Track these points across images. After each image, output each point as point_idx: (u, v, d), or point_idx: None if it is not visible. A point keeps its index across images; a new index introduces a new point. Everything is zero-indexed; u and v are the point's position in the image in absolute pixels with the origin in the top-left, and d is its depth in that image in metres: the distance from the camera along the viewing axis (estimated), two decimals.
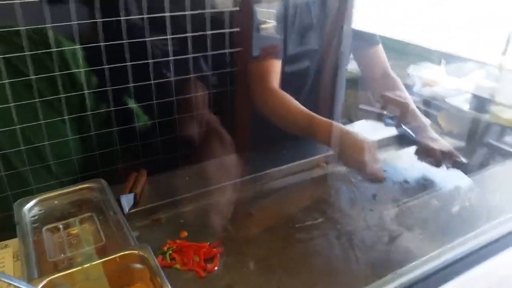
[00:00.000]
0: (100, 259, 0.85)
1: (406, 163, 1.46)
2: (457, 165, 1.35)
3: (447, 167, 1.36)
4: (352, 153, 1.18)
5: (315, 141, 1.30)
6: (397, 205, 1.24)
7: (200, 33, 1.32)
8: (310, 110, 1.31)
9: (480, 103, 1.74)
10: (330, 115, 1.67)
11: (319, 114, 1.52)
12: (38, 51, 1.13)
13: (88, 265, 0.82)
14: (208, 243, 1.09)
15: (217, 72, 1.45)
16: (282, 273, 1.00)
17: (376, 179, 1.18)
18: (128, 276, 0.85)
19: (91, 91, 1.25)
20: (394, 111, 1.49)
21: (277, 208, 1.26)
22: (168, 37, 1.27)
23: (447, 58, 2.15)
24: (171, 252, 1.06)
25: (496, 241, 1.09)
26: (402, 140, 1.60)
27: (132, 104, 1.34)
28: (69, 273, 0.82)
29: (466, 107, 1.79)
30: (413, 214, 1.20)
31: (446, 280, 0.97)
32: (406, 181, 1.36)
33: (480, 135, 1.65)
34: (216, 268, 1.03)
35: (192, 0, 1.26)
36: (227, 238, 1.12)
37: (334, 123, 1.24)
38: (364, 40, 1.63)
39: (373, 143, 1.20)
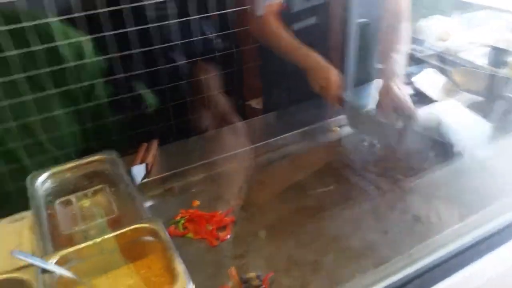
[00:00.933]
0: (113, 231, 0.85)
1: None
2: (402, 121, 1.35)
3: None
4: (318, 79, 1.35)
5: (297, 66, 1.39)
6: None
7: None
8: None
9: (497, 56, 1.67)
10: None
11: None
12: None
13: (100, 239, 0.83)
14: (220, 212, 1.10)
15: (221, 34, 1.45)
16: (293, 242, 1.01)
17: (336, 103, 1.36)
18: (140, 249, 0.86)
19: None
20: None
21: (288, 174, 1.25)
22: None
23: (459, 6, 2.06)
24: (183, 221, 1.08)
25: None
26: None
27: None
28: (81, 247, 0.83)
29: (482, 61, 1.72)
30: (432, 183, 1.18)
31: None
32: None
33: (498, 91, 1.60)
34: (228, 236, 1.04)
35: None
36: (238, 207, 1.12)
37: (310, 52, 1.37)
38: None
39: (337, 72, 1.34)
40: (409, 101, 1.33)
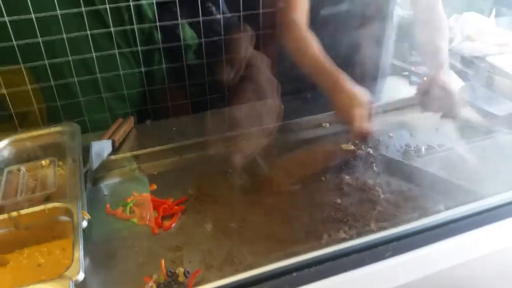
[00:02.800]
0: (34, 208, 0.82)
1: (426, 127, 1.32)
2: (447, 116, 1.27)
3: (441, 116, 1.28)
4: (343, 108, 1.11)
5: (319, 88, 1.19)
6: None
7: None
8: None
9: None
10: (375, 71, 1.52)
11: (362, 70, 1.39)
12: None
13: (16, 214, 0.80)
14: (172, 199, 1.04)
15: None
16: (237, 240, 0.93)
17: (362, 137, 1.12)
18: (59, 229, 0.82)
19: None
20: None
21: (257, 168, 1.16)
22: None
23: (500, 8, 1.87)
24: (132, 205, 1.03)
25: None
26: None
27: None
28: None
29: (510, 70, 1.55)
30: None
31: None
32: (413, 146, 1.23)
33: None
34: (172, 226, 0.98)
35: None
36: (194, 196, 1.06)
37: (339, 74, 1.14)
38: None
39: (367, 101, 1.10)
40: (456, 96, 1.26)
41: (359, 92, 1.11)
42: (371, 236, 0.81)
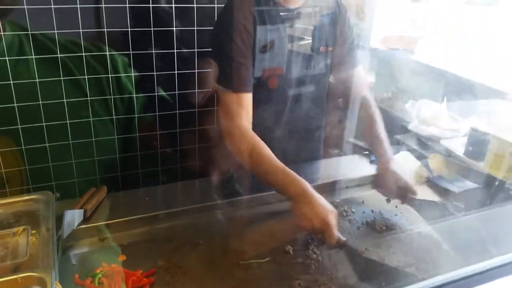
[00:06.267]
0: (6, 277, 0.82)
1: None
2: (408, 201, 1.36)
3: (401, 201, 1.37)
4: (315, 220, 1.11)
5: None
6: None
7: None
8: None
9: (476, 149, 1.63)
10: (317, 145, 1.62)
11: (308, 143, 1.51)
12: None
13: None
14: (141, 271, 1.05)
15: None
16: None
17: (339, 245, 1.13)
18: None
19: None
20: None
21: (227, 240, 1.20)
22: None
23: (451, 95, 2.06)
24: (101, 276, 1.03)
25: None
26: None
27: None
28: None
29: (462, 151, 1.69)
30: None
31: None
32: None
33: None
34: None
35: None
36: (163, 268, 1.08)
37: (304, 185, 1.15)
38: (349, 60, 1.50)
39: (335, 211, 1.13)
40: (409, 183, 1.34)
41: (325, 203, 1.13)
42: None
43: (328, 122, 1.61)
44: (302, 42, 1.38)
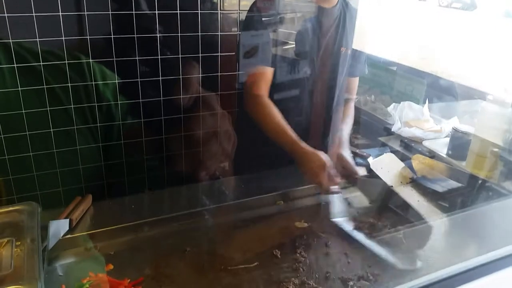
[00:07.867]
0: None
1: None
2: (351, 180, 1.52)
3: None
4: (310, 170, 1.36)
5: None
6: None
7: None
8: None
9: (458, 149, 1.66)
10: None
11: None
12: None
13: None
14: (129, 280, 1.05)
15: None
16: None
17: (331, 193, 1.38)
18: None
19: None
20: None
21: (215, 246, 1.20)
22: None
23: (432, 97, 2.09)
24: (87, 286, 1.02)
25: None
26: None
27: None
28: None
29: (444, 152, 1.71)
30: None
31: None
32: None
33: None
34: None
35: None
36: (151, 276, 1.07)
37: (299, 143, 1.40)
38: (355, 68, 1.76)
39: (330, 162, 1.35)
40: (356, 168, 1.53)
41: (321, 155, 1.36)
42: None
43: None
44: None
